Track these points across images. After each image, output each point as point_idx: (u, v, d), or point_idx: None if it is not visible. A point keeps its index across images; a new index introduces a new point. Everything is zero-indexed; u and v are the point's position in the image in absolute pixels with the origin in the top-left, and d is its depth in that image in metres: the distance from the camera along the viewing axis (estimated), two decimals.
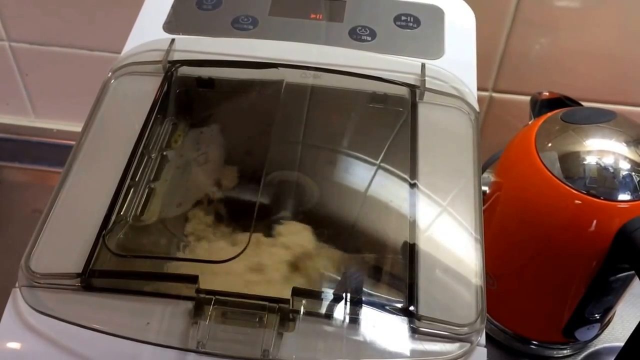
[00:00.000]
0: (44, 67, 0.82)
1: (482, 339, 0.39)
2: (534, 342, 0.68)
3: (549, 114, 0.62)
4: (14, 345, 0.38)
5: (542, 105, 0.66)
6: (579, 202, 0.55)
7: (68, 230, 0.42)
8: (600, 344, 0.70)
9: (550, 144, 0.58)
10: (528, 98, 0.68)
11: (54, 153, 0.86)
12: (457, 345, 0.38)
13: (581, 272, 0.59)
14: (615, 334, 0.71)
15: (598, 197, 0.55)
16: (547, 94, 0.67)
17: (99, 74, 0.53)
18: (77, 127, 0.85)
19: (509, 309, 0.67)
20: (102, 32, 0.78)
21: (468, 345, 0.38)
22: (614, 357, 0.55)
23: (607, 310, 0.64)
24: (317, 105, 0.52)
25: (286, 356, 0.36)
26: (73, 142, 0.83)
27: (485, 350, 0.38)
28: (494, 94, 0.78)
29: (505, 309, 0.68)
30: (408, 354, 0.37)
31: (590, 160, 0.56)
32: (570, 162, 0.57)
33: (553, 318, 0.65)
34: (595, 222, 0.55)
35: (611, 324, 0.69)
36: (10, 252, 0.79)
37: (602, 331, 0.68)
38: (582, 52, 0.73)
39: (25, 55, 0.81)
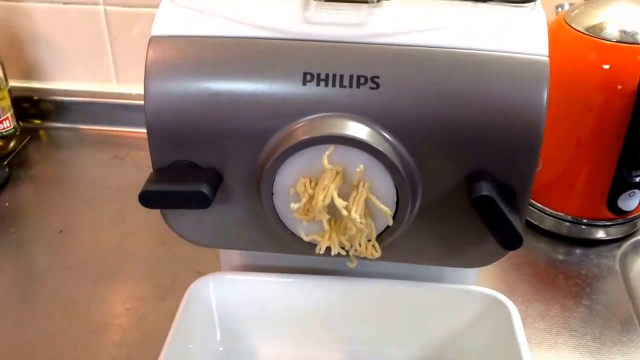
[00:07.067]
0: (131, 31, 0.92)
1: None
2: (584, 222, 0.73)
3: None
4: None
5: None
6: (608, 50, 0.64)
7: None
8: None
9: (575, 16, 0.68)
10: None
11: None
12: None
13: (616, 129, 0.66)
14: None
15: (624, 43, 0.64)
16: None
17: None
18: None
19: (555, 190, 0.73)
20: None
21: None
22: None
23: None
24: None
25: None
26: None
27: None
28: None
29: (552, 191, 0.73)
30: None
31: (611, 18, 0.66)
32: (595, 25, 0.66)
33: (596, 188, 0.71)
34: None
35: None
36: None
37: None
38: None
39: (116, 19, 0.92)
